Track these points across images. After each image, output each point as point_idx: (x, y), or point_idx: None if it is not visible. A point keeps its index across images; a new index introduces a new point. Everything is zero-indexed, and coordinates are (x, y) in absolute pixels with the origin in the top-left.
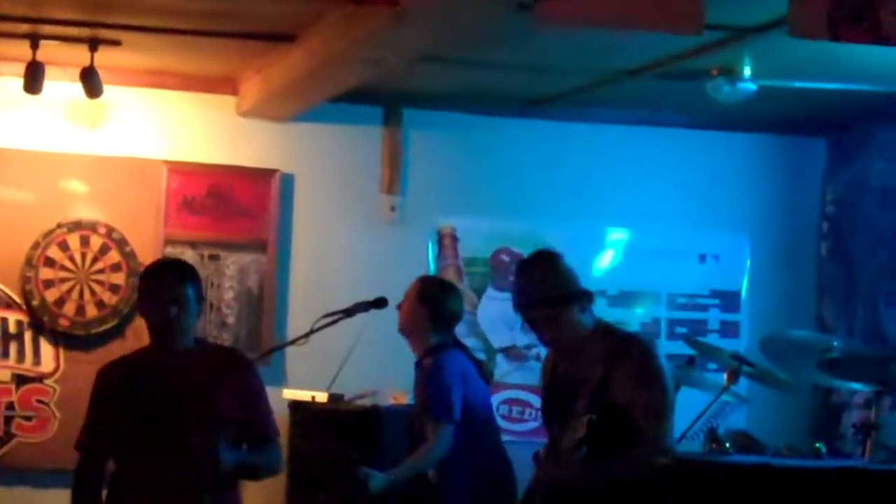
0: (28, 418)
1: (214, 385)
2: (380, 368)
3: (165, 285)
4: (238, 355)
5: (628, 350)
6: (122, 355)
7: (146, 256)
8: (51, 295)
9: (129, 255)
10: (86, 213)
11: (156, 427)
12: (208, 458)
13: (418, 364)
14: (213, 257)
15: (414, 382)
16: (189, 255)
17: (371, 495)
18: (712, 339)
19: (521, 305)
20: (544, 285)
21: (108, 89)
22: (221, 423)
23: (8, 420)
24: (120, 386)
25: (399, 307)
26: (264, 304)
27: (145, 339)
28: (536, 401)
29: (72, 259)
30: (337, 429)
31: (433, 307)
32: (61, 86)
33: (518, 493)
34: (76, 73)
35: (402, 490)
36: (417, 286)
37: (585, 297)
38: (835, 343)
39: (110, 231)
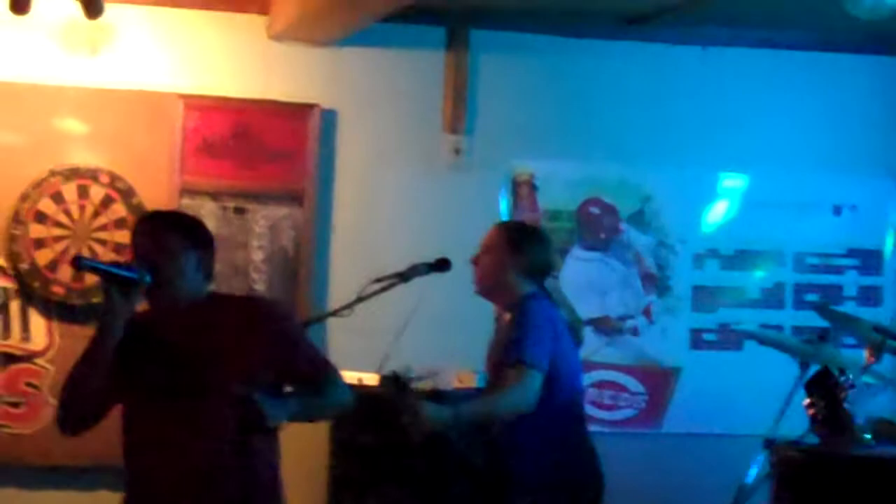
0: (16, 405)
1: (233, 341)
2: (441, 345)
3: (146, 236)
4: (258, 302)
5: None
6: None
7: None
8: (42, 257)
9: (137, 209)
10: (84, 158)
11: (168, 392)
12: (247, 412)
13: (499, 319)
14: (239, 210)
15: (490, 345)
16: (210, 209)
17: (427, 426)
18: (850, 308)
19: None
20: None
21: (112, 7)
22: (249, 382)
23: None
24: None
25: (475, 261)
26: (301, 266)
27: None
28: (632, 383)
29: (67, 213)
30: (390, 418)
31: (525, 256)
32: (54, 4)
33: (604, 490)
34: None
35: (468, 457)
36: (503, 233)
37: None
38: None
39: (114, 179)
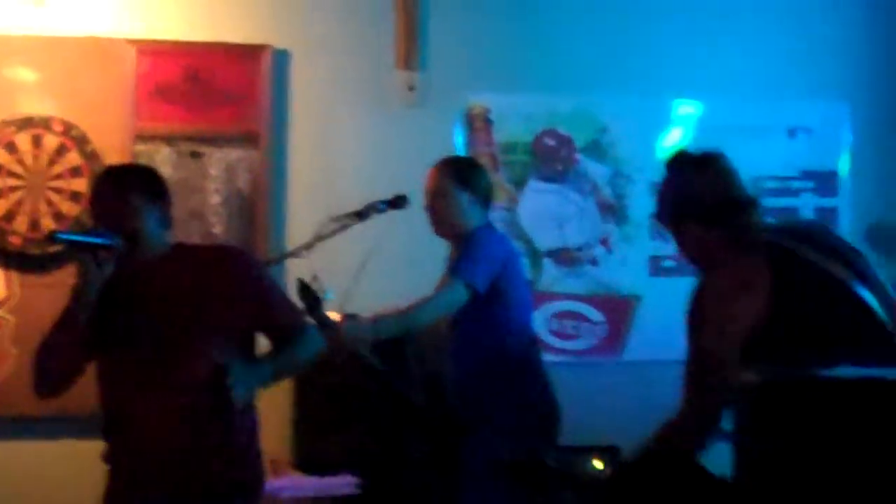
0: None
1: (206, 294)
2: (401, 282)
3: (108, 198)
4: (228, 251)
5: None
6: None
7: (112, 157)
8: None
9: (92, 156)
10: (37, 107)
11: (138, 349)
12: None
13: (452, 254)
14: (194, 154)
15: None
16: (165, 153)
17: (345, 343)
18: None
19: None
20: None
21: None
22: (218, 334)
23: None
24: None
25: (430, 207)
26: (257, 208)
27: None
28: (592, 313)
29: (22, 163)
30: (350, 356)
31: (474, 187)
32: None
33: (560, 423)
34: None
35: (415, 401)
36: (447, 171)
37: None
38: None
39: (68, 128)
